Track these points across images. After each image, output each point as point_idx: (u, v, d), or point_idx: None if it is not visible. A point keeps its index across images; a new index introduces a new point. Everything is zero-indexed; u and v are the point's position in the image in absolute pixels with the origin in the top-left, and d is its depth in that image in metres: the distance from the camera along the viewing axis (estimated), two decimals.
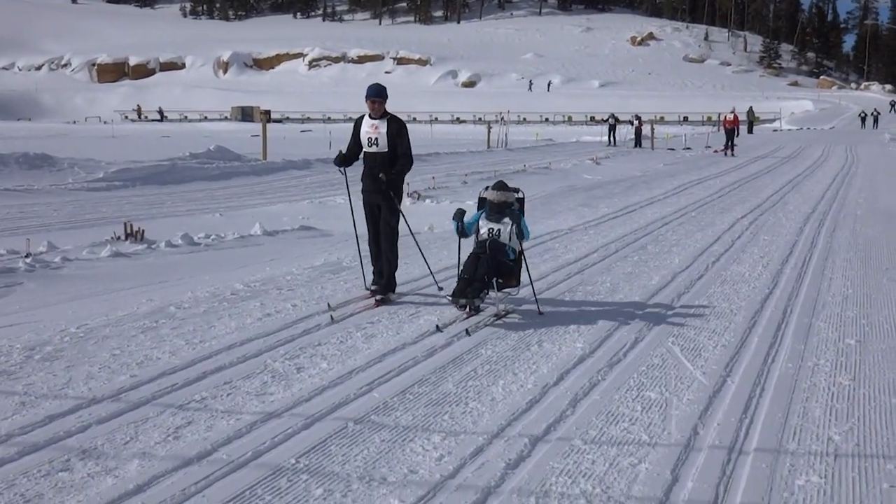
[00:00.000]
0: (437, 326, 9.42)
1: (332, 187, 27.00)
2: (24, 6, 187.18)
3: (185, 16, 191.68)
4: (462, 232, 10.72)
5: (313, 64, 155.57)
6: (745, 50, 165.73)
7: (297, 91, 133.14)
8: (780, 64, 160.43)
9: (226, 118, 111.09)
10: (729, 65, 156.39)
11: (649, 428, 7.01)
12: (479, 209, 10.99)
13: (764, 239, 17.14)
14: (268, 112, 70.62)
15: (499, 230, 10.44)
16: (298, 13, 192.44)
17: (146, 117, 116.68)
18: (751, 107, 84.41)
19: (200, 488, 5.84)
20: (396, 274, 11.58)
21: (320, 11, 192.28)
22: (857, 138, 66.34)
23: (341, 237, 16.98)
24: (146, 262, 14.45)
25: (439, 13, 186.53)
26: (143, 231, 16.45)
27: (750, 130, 75.27)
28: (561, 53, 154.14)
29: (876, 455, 6.46)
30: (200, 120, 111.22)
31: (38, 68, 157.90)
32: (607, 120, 61.27)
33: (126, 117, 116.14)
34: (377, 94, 11.01)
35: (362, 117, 11.23)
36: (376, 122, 11.03)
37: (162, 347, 9.03)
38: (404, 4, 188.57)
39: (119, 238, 16.11)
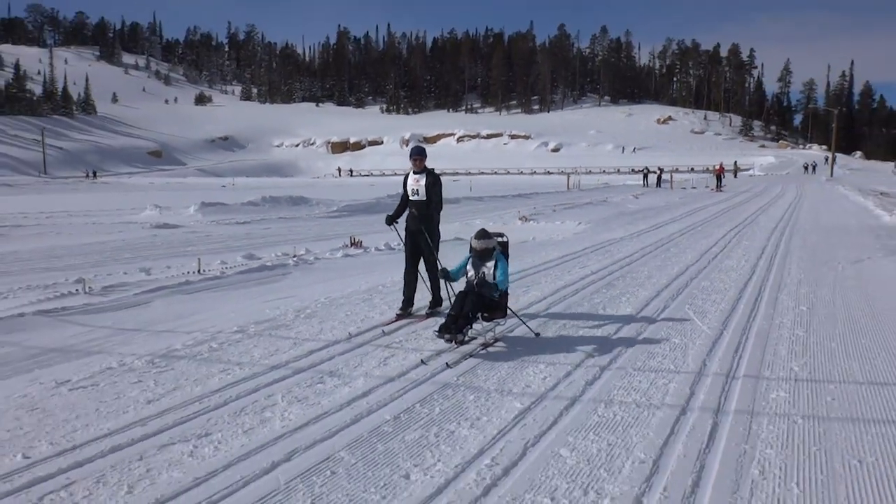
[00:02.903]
0: (422, 360, 6.89)
1: (473, 214, 27.05)
2: (288, 109, 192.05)
3: (382, 112, 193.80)
4: (451, 279, 8.10)
5: (459, 139, 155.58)
6: (731, 125, 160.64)
7: (450, 156, 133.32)
8: (753, 133, 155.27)
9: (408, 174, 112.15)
10: (720, 135, 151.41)
11: (676, 360, 6.90)
12: (469, 253, 8.20)
13: (745, 244, 16.60)
14: (433, 169, 72.27)
15: (483, 272, 7.85)
16: (450, 108, 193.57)
17: (358, 173, 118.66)
18: (735, 161, 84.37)
19: (400, 395, 5.94)
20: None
21: (463, 107, 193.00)
22: (803, 180, 64.26)
23: None
24: (363, 260, 14.69)
25: (537, 106, 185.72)
26: (361, 241, 16.76)
27: (735, 175, 74.21)
28: (612, 130, 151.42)
29: None
30: (392, 175, 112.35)
31: (296, 145, 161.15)
32: (642, 170, 61.37)
33: (350, 173, 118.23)
34: (419, 154, 9.07)
35: (409, 173, 9.19)
36: (418, 176, 9.02)
37: (374, 310, 9.17)
38: (515, 102, 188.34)
39: (346, 246, 16.44)
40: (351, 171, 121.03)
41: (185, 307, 9.82)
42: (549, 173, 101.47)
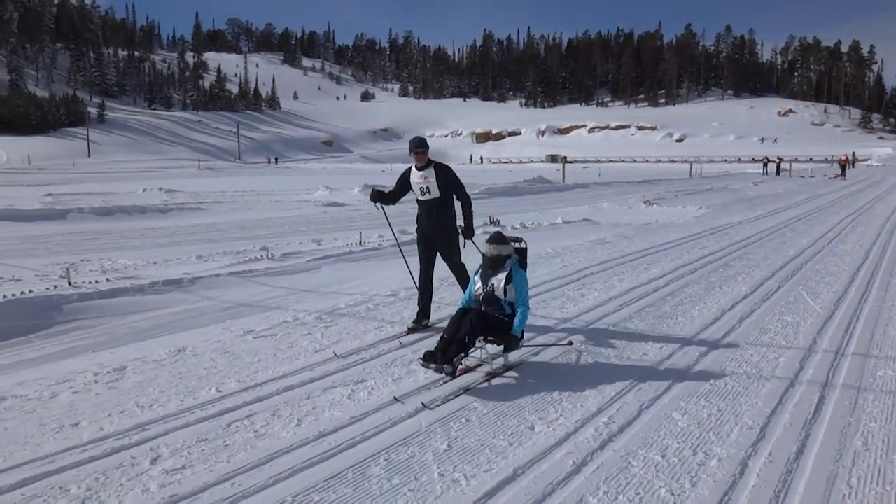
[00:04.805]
0: (395, 398, 4.89)
1: (600, 198, 26.48)
2: (439, 104, 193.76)
3: (521, 106, 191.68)
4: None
5: (590, 130, 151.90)
6: (850, 117, 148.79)
7: (581, 145, 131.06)
8: (872, 125, 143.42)
9: (542, 161, 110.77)
10: (839, 126, 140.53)
11: (787, 336, 6.51)
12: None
13: (860, 230, 15.40)
14: (565, 157, 70.63)
15: (492, 285, 5.68)
16: (582, 102, 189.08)
17: (487, 160, 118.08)
18: (854, 151, 78.82)
19: (529, 356, 5.91)
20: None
21: (594, 101, 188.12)
22: None
23: (606, 226, 16.65)
24: None
25: (663, 100, 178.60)
26: (499, 220, 16.74)
27: (853, 165, 69.21)
28: (735, 122, 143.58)
29: None
30: (528, 162, 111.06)
31: (446, 136, 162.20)
32: (762, 160, 58.55)
33: (481, 160, 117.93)
34: (420, 146, 6.81)
35: (409, 169, 6.98)
36: (424, 172, 6.83)
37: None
38: (642, 95, 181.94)
39: (487, 223, 16.48)
40: (482, 158, 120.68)
41: (348, 273, 10.19)
42: (673, 162, 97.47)
